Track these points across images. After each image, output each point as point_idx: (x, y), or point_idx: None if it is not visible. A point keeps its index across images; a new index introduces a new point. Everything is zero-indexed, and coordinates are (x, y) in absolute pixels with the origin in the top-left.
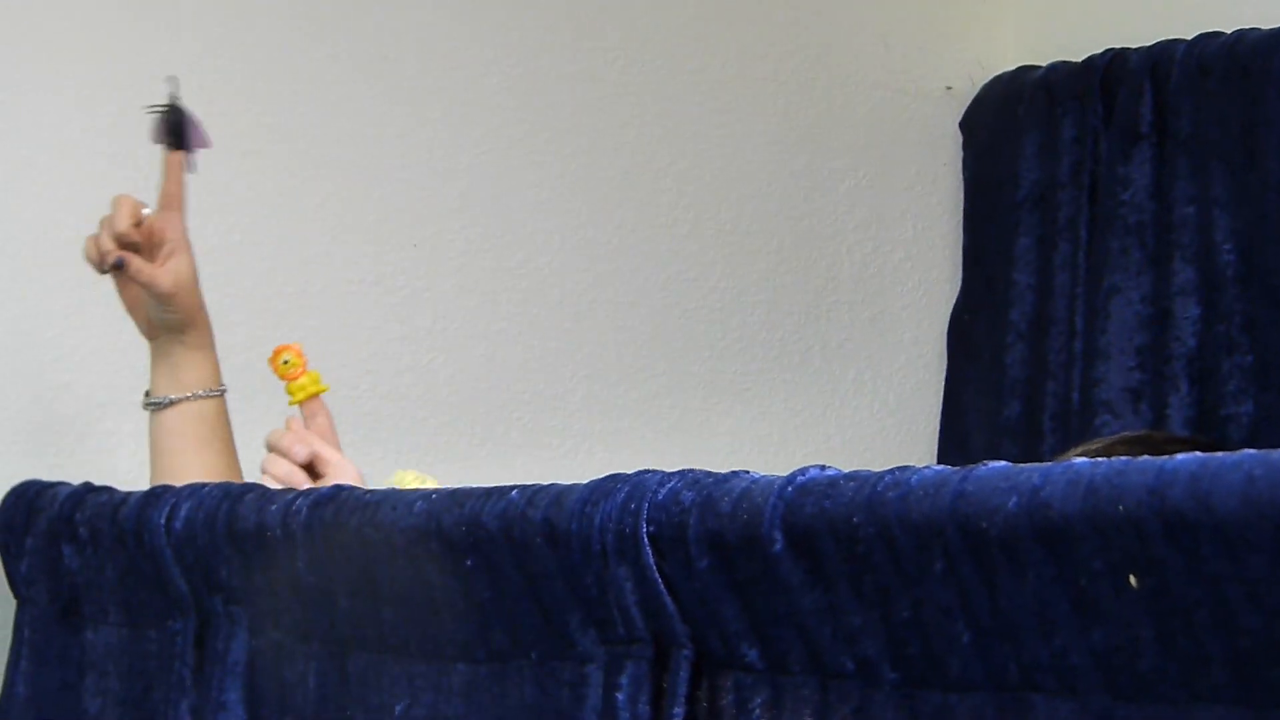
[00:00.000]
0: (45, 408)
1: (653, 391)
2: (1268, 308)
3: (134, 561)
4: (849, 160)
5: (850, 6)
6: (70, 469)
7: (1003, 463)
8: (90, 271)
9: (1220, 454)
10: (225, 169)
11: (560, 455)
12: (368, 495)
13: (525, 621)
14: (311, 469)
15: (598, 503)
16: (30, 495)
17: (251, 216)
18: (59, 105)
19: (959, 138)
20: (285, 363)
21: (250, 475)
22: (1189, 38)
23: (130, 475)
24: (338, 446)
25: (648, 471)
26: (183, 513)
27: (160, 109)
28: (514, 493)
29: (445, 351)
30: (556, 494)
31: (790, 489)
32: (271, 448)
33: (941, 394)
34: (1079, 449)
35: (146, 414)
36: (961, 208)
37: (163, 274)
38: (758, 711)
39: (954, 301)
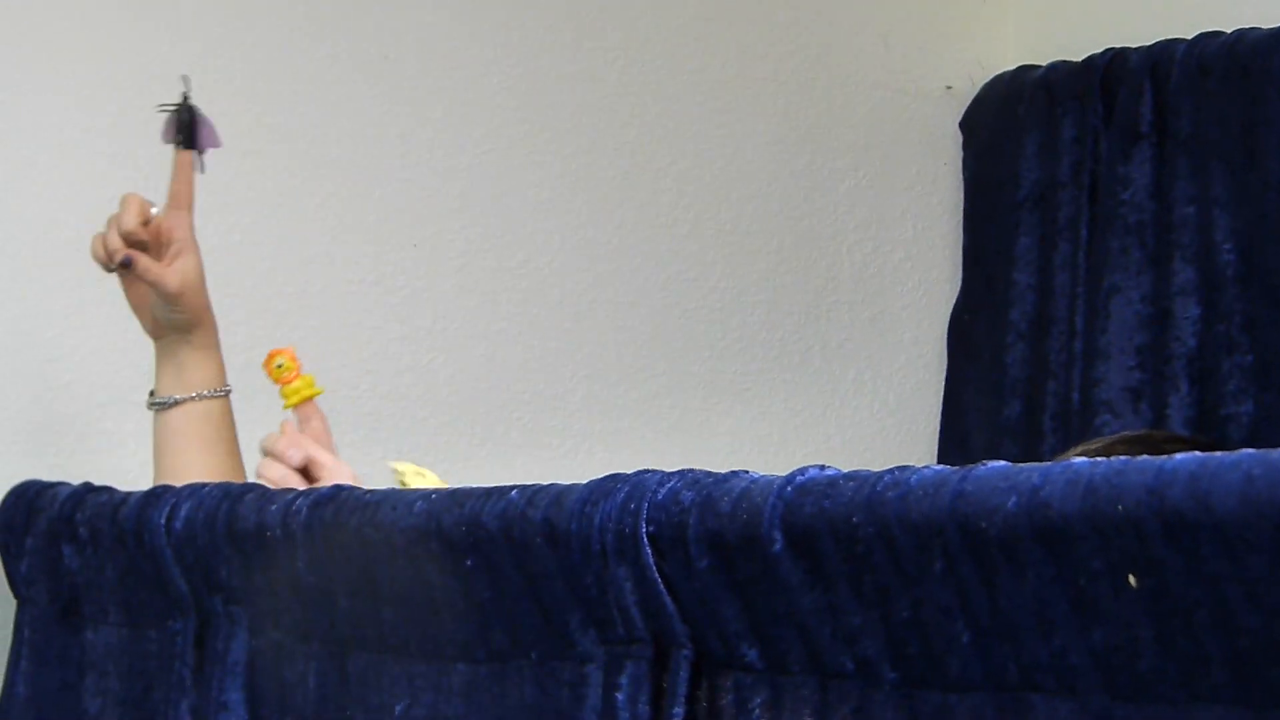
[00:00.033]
0: (45, 408)
1: (653, 391)
2: (1268, 308)
3: (134, 561)
4: (849, 160)
5: (850, 6)
6: (70, 469)
7: (1002, 463)
8: (91, 271)
9: (1219, 454)
10: (225, 169)
11: (560, 455)
12: (367, 495)
13: (525, 621)
14: (306, 473)
15: (597, 503)
16: (30, 495)
17: (251, 216)
18: (59, 105)
19: (959, 138)
20: (279, 366)
21: (250, 477)
22: (1189, 37)
23: (130, 475)
24: (333, 450)
25: (647, 471)
26: (183, 513)
27: (172, 107)
28: (514, 493)
29: (445, 351)
30: (556, 494)
31: (790, 489)
32: (266, 452)
33: (941, 394)
34: (1079, 449)
35: (148, 414)
36: (961, 208)
37: (170, 273)
38: (757, 711)
39: (954, 301)
